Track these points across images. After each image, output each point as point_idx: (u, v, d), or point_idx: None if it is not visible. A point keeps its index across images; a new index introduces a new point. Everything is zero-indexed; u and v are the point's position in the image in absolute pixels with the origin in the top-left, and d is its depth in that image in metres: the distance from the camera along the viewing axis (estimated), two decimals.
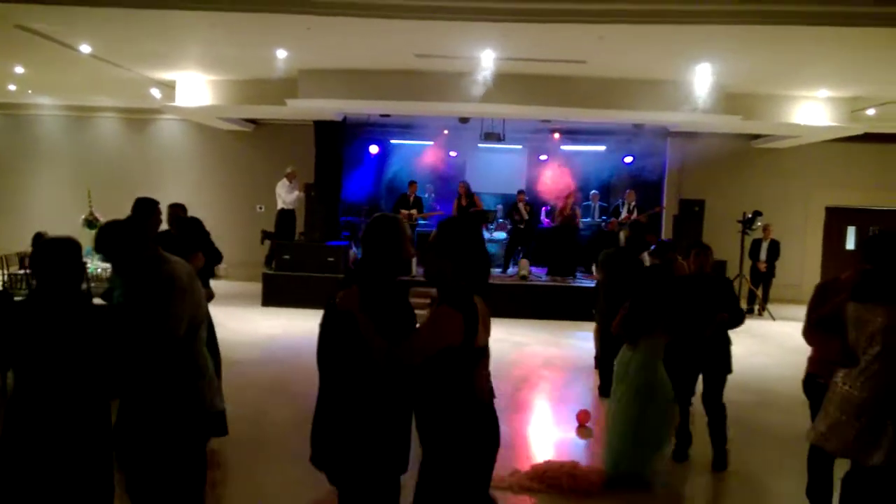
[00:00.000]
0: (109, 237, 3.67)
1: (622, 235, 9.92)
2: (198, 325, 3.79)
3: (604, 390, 7.86)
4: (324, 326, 3.17)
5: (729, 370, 6.24)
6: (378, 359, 2.98)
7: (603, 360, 8.02)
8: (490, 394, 3.29)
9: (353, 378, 3.06)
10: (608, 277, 8.18)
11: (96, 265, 10.53)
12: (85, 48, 11.06)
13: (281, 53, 11.19)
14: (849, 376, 4.15)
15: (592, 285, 10.41)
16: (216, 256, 6.33)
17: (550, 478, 5.49)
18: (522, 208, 15.03)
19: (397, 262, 3.25)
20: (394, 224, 3.28)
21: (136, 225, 3.88)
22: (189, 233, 5.99)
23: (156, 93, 14.17)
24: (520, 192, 15.44)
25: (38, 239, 3.47)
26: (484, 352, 3.27)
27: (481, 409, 3.23)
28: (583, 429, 7.14)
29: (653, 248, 8.20)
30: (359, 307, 3.02)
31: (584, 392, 8.70)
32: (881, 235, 4.52)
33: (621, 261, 8.17)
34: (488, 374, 3.31)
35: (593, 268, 10.09)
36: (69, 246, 3.44)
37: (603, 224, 15.51)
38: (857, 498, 4.18)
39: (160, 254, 3.73)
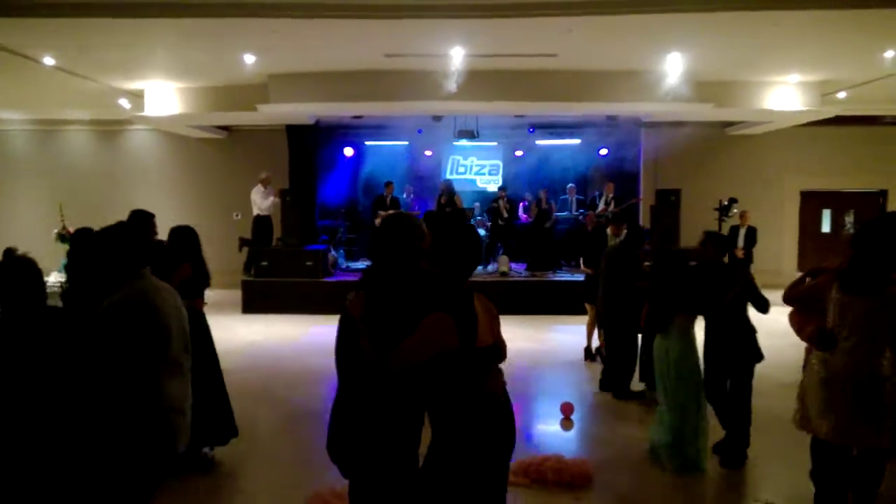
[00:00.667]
0: (105, 241, 3.57)
1: (609, 232, 9.90)
2: (175, 356, 3.67)
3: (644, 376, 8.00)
4: (338, 329, 3.10)
5: (757, 358, 6.16)
6: (370, 364, 2.94)
7: (627, 354, 8.08)
8: (503, 392, 3.25)
9: (359, 377, 3.03)
10: (610, 272, 8.16)
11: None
12: (48, 60, 10.92)
13: (249, 59, 11.11)
14: (824, 360, 4.25)
15: (581, 279, 10.40)
16: (203, 277, 6.08)
17: (535, 472, 5.46)
18: (502, 206, 15.02)
19: (407, 263, 3.13)
20: (406, 223, 3.19)
21: (132, 233, 3.73)
22: (180, 243, 5.82)
23: (124, 103, 14.02)
24: (501, 188, 15.45)
25: (9, 255, 3.38)
26: (492, 351, 3.20)
27: (495, 409, 3.19)
28: (567, 421, 7.12)
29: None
30: (362, 311, 2.97)
31: (568, 385, 8.68)
32: (869, 223, 4.56)
33: (623, 256, 8.15)
34: (501, 373, 3.26)
35: (580, 262, 10.09)
36: (28, 265, 3.37)
37: (580, 217, 15.51)
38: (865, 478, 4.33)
39: (151, 279, 3.64)
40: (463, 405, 3.13)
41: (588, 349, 9.85)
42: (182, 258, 5.59)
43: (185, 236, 5.87)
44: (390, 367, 2.93)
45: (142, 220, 5.47)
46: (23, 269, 3.34)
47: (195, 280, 5.70)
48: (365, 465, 3.10)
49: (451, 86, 11.16)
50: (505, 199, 15.20)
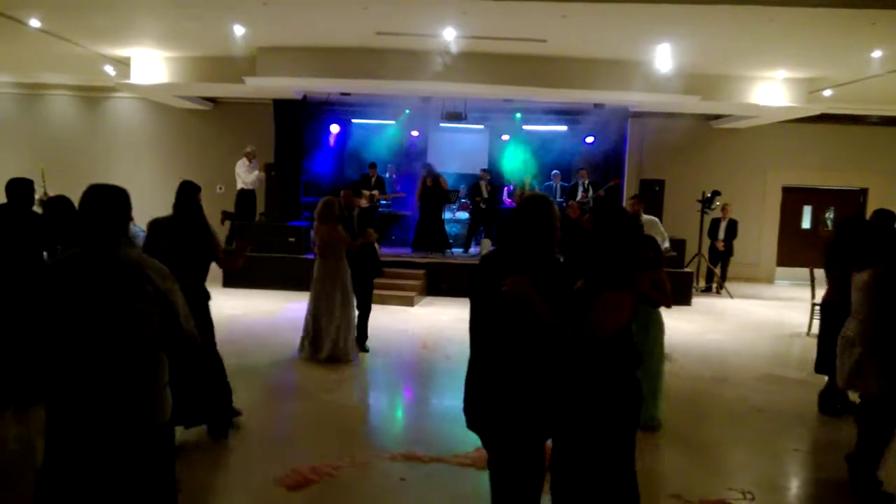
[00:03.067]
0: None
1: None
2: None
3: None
4: (490, 308, 3.28)
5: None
6: (562, 341, 3.17)
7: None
8: None
9: (516, 351, 3.21)
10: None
11: None
12: (34, 22, 10.76)
13: (238, 30, 11.01)
14: (849, 326, 5.16)
15: None
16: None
17: None
18: (484, 187, 15.01)
19: (550, 242, 3.35)
20: (547, 205, 3.38)
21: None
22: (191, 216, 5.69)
23: (110, 70, 13.85)
24: (483, 170, 15.42)
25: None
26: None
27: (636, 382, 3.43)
28: None
29: None
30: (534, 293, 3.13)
31: None
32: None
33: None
34: None
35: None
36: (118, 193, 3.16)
37: (564, 206, 15.54)
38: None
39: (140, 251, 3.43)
40: (619, 379, 3.36)
41: None
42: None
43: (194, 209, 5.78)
44: (586, 341, 3.19)
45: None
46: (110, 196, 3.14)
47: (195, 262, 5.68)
48: (505, 433, 3.30)
49: (440, 69, 11.13)
50: (488, 179, 15.16)
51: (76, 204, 3.15)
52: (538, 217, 3.34)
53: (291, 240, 13.66)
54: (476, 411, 3.40)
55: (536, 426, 3.31)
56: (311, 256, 14.04)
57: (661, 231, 10.57)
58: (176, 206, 5.69)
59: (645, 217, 10.35)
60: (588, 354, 3.27)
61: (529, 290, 3.14)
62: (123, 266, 3.01)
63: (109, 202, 3.09)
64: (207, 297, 6.07)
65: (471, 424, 3.44)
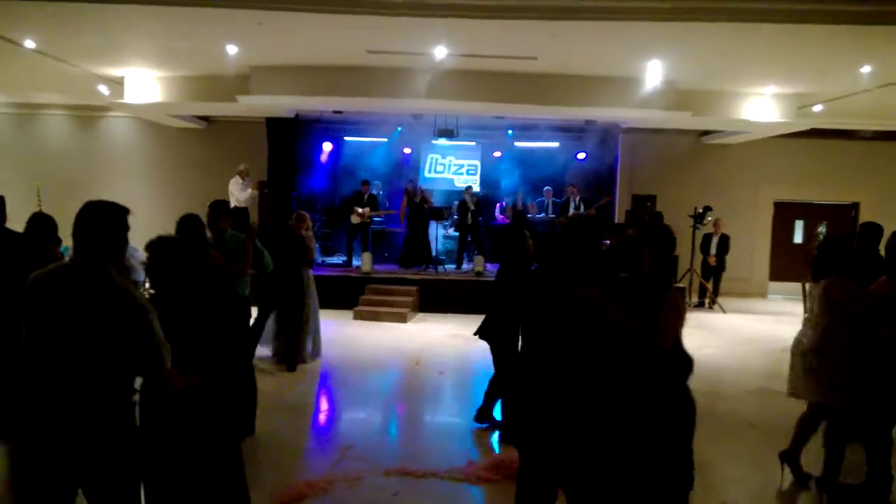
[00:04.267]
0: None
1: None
2: None
3: None
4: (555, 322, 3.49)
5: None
6: (637, 344, 3.37)
7: None
8: None
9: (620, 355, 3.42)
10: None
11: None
12: (29, 43, 10.81)
13: (231, 49, 11.07)
14: (805, 334, 5.36)
15: None
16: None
17: (507, 468, 5.50)
18: (469, 201, 15.05)
19: (598, 257, 3.65)
20: (598, 224, 3.72)
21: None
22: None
23: (103, 89, 13.89)
24: (467, 187, 15.53)
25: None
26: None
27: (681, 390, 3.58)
28: None
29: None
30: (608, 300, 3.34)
31: None
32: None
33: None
34: None
35: None
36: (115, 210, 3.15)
37: (556, 223, 15.60)
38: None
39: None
40: (675, 383, 3.52)
41: None
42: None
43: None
44: (664, 343, 3.37)
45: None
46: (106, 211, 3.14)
47: None
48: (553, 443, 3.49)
49: (431, 86, 11.20)
50: (470, 194, 15.24)
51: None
52: (590, 235, 3.63)
53: None
54: (524, 424, 3.60)
55: (590, 438, 3.46)
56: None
57: None
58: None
59: None
60: (645, 362, 3.41)
61: (602, 299, 3.32)
62: (107, 286, 3.02)
63: (102, 219, 3.08)
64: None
65: (512, 439, 3.73)
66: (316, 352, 9.48)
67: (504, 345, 6.25)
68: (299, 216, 10.01)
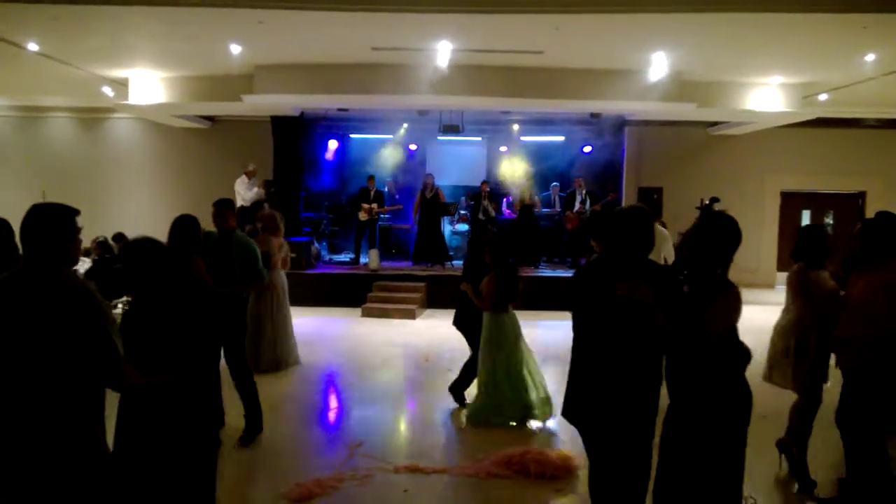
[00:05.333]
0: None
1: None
2: None
3: None
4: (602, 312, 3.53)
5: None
6: (671, 337, 3.44)
7: None
8: None
9: (627, 351, 3.50)
10: None
11: None
12: (32, 46, 10.83)
13: (235, 48, 11.08)
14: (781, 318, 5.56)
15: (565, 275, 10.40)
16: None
17: (517, 463, 5.50)
18: (489, 206, 14.99)
19: (650, 248, 3.68)
20: (645, 214, 3.70)
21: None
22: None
23: (108, 91, 13.91)
24: (483, 181, 15.40)
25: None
26: None
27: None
28: None
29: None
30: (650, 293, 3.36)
31: (547, 378, 8.73)
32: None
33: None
34: None
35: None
36: (62, 212, 3.08)
37: (560, 218, 15.56)
38: None
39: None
40: (730, 376, 3.54)
41: None
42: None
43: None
44: (709, 337, 3.41)
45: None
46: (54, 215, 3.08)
47: None
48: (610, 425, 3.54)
49: (436, 82, 11.19)
50: (487, 191, 15.17)
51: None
52: (639, 225, 3.62)
53: (292, 255, 13.66)
54: (582, 409, 3.65)
55: (641, 423, 3.56)
56: (310, 271, 14.20)
57: (669, 249, 9.04)
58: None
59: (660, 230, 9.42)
60: (700, 354, 3.45)
61: (647, 291, 3.34)
62: (64, 287, 2.93)
63: (49, 222, 2.99)
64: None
65: (574, 421, 3.71)
66: (288, 362, 8.81)
67: (473, 331, 7.06)
68: (266, 217, 9.14)
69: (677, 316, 3.41)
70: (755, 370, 6.07)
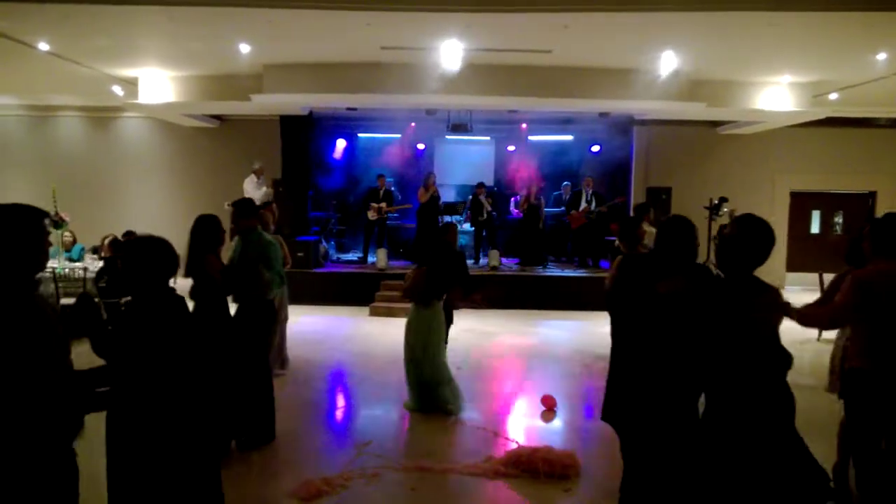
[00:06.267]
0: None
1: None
2: None
3: None
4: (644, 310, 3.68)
5: None
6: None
7: None
8: None
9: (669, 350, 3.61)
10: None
11: (63, 265, 10.62)
12: (43, 46, 10.87)
13: (244, 48, 11.09)
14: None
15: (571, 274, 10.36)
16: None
17: (525, 463, 5.50)
18: (485, 202, 15.00)
19: (695, 252, 3.88)
20: (690, 223, 3.90)
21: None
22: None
23: (117, 90, 13.96)
24: (479, 184, 15.42)
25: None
26: None
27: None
28: (549, 413, 7.17)
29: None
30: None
31: (553, 378, 8.74)
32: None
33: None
34: None
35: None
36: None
37: (564, 218, 15.53)
38: None
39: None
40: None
41: None
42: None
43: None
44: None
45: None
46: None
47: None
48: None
49: (445, 81, 11.20)
50: (484, 194, 15.17)
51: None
52: (685, 233, 3.83)
53: (300, 254, 13.70)
54: (623, 412, 3.77)
55: (681, 427, 3.62)
56: (318, 270, 14.22)
57: None
58: None
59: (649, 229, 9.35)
60: (743, 356, 3.49)
61: (687, 286, 3.49)
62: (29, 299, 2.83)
63: (14, 224, 2.83)
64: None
65: (614, 423, 3.85)
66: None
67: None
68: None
69: (715, 316, 3.48)
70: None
